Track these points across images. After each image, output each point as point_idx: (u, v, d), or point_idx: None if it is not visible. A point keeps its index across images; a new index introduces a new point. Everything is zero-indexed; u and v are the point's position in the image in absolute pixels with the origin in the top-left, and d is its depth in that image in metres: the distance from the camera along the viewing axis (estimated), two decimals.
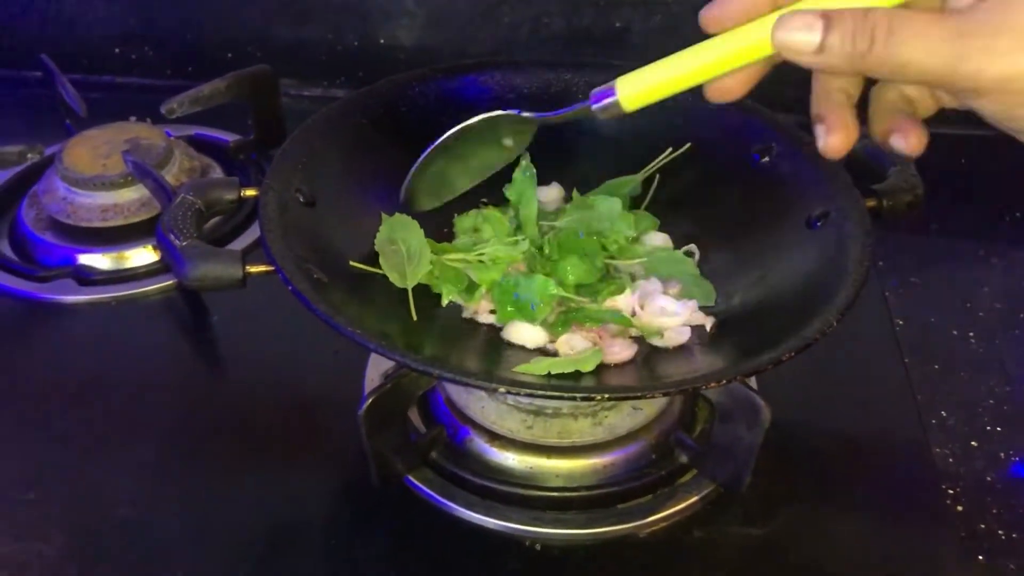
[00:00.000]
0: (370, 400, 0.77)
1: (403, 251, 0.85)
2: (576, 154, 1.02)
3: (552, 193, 1.01)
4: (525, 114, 0.85)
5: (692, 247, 0.95)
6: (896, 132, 0.68)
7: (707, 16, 0.67)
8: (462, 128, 0.84)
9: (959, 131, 0.89)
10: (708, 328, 0.86)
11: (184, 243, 0.77)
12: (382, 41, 1.50)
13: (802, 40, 0.60)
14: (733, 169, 0.97)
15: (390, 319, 0.83)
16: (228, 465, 0.88)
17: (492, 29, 1.46)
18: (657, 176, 1.00)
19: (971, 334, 1.10)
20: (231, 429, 0.92)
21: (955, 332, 1.11)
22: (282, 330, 1.02)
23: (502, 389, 0.67)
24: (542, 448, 0.86)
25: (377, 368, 0.95)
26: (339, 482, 0.89)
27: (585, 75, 1.04)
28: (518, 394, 0.68)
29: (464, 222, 0.96)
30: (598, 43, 1.45)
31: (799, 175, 0.92)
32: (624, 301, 0.88)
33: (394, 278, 0.85)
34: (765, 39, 0.63)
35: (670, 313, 0.87)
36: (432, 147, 0.85)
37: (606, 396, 0.69)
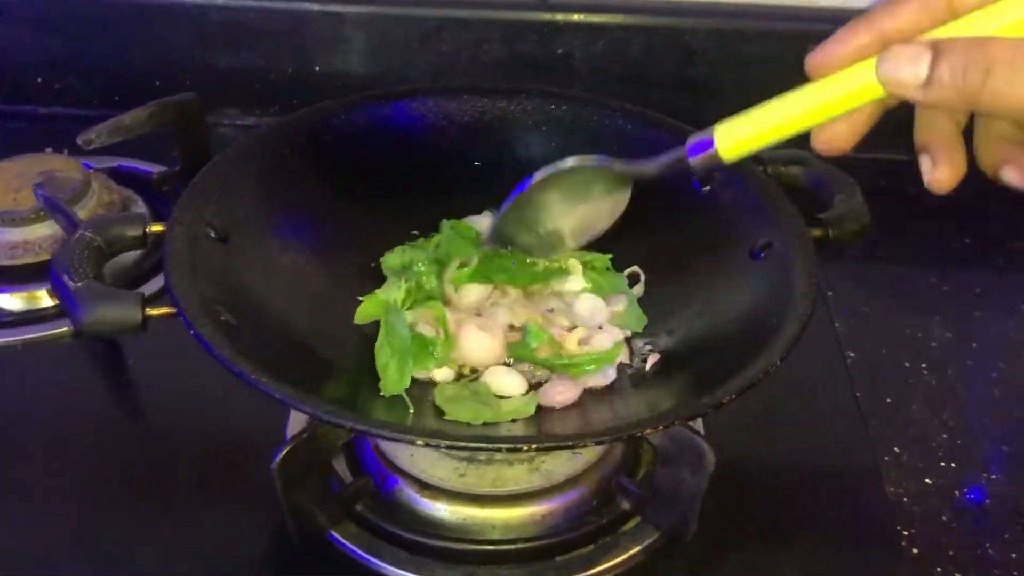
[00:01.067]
0: (286, 451, 0.72)
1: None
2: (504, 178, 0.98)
3: (485, 223, 0.97)
4: (617, 165, 0.76)
5: (636, 270, 0.91)
6: (1009, 164, 0.61)
7: (814, 62, 0.62)
8: (551, 171, 0.77)
9: (903, 156, 0.86)
10: (649, 365, 0.82)
11: (79, 284, 0.71)
12: (318, 69, 1.45)
13: (909, 74, 0.55)
14: (675, 197, 0.93)
15: (312, 363, 0.78)
16: (142, 519, 0.82)
17: (432, 56, 1.42)
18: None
19: (923, 365, 1.06)
20: (146, 480, 0.86)
21: (907, 364, 1.07)
22: (202, 372, 0.94)
23: (419, 442, 0.62)
24: (476, 497, 0.80)
25: (301, 413, 0.89)
26: (258, 537, 0.82)
27: (522, 102, 1.00)
28: (437, 447, 0.62)
29: (391, 260, 0.91)
30: (541, 69, 1.41)
31: (741, 204, 0.88)
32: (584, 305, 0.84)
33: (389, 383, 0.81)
34: (874, 80, 0.58)
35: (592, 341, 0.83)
36: (528, 186, 0.78)
37: (533, 448, 0.63)
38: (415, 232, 0.95)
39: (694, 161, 0.71)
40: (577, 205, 0.79)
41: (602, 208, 0.79)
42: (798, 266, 0.79)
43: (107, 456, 0.87)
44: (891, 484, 0.92)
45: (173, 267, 0.74)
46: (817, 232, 0.84)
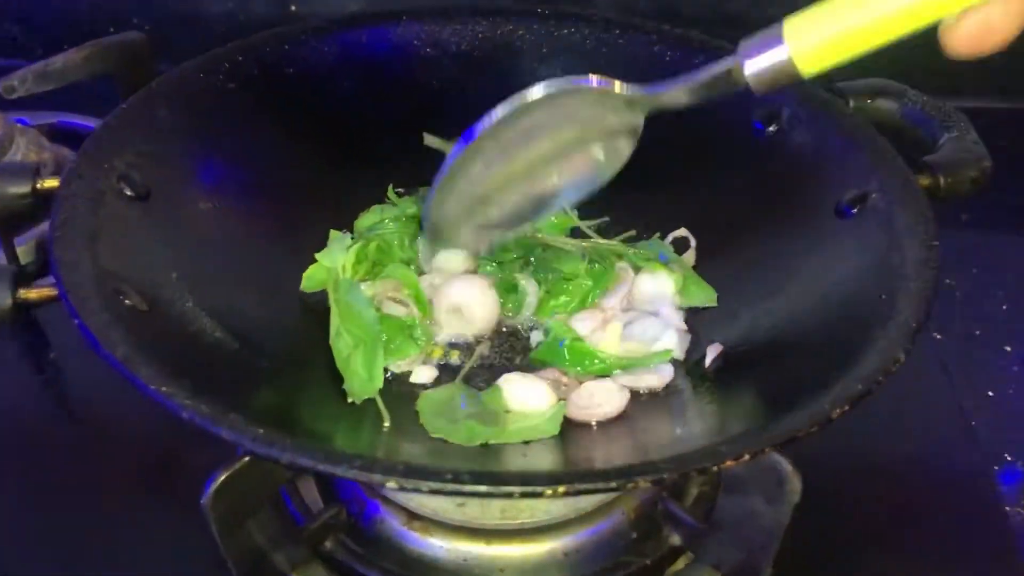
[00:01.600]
0: (221, 480, 0.53)
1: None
2: None
3: None
4: (617, 87, 0.54)
5: (685, 233, 0.71)
6: None
7: None
8: (514, 107, 0.54)
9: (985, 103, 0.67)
10: (709, 360, 0.62)
11: None
12: (293, 8, 1.26)
13: None
14: (729, 144, 0.73)
15: (255, 362, 0.58)
16: (70, 537, 0.67)
17: None
18: None
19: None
20: (75, 489, 0.71)
21: (1007, 347, 0.87)
22: None
23: (391, 483, 0.42)
24: (480, 532, 0.62)
25: None
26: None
27: (532, 26, 0.80)
28: (416, 490, 0.42)
29: (364, 222, 0.71)
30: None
31: (821, 146, 0.69)
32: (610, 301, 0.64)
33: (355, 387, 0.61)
34: None
35: (649, 338, 0.63)
36: (475, 138, 0.56)
37: (560, 491, 0.43)
38: (399, 190, 0.75)
39: (753, 77, 0.48)
40: (559, 154, 0.57)
41: (596, 155, 0.57)
42: (906, 223, 0.60)
43: (31, 460, 0.74)
44: (1007, 503, 0.72)
45: (62, 234, 0.55)
46: (924, 180, 0.64)
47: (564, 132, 0.55)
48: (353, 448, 0.54)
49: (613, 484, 0.43)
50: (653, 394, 0.62)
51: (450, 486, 0.42)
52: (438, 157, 0.79)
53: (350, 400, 0.60)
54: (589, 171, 0.58)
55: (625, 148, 0.56)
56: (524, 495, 0.42)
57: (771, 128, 0.72)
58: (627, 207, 0.75)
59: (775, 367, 0.57)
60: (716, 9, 1.18)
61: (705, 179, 0.74)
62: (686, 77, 0.52)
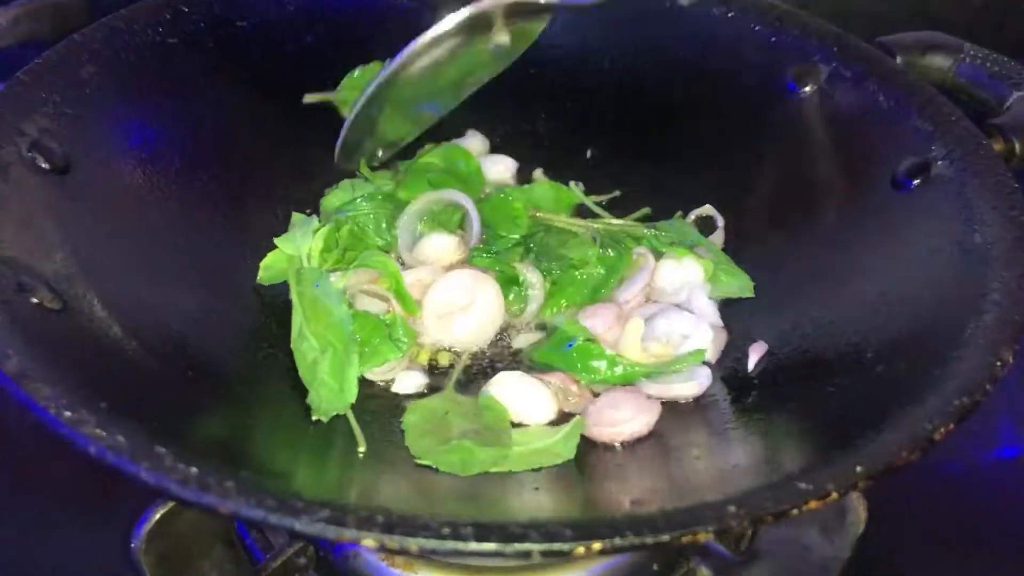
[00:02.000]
0: (156, 519, 0.42)
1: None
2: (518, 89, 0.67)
3: (475, 145, 0.66)
4: None
5: (711, 212, 0.61)
6: None
7: None
8: (444, 30, 0.55)
9: None
10: (753, 364, 0.52)
11: None
12: None
13: None
14: (759, 109, 0.63)
15: (194, 373, 0.47)
16: None
17: None
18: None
19: None
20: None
21: None
22: None
23: (369, 541, 0.31)
24: (476, 569, 0.51)
25: None
26: None
27: None
28: (404, 550, 0.32)
29: (331, 200, 0.61)
30: None
31: (869, 108, 0.59)
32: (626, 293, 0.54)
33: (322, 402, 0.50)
34: None
35: (677, 336, 0.53)
36: (394, 63, 0.57)
37: (580, 551, 0.32)
38: (374, 164, 0.65)
39: None
40: (457, 63, 0.59)
41: (489, 61, 0.61)
42: (983, 195, 0.50)
43: None
44: None
45: None
46: (995, 145, 0.54)
47: (472, 36, 0.57)
48: (318, 486, 0.43)
49: (666, 537, 0.32)
50: (683, 406, 0.51)
51: (449, 543, 0.31)
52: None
53: (315, 418, 0.48)
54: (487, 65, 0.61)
55: (524, 40, 0.59)
56: (547, 553, 0.32)
57: (807, 88, 0.62)
58: (641, 180, 0.65)
59: (835, 374, 0.47)
60: None
61: (732, 149, 0.64)
62: None
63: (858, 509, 0.46)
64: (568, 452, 0.46)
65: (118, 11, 0.60)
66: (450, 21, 0.55)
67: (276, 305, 0.57)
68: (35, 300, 0.42)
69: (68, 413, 0.34)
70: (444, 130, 0.68)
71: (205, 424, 0.43)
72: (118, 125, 0.56)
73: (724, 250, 0.60)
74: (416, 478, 0.44)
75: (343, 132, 0.60)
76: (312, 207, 0.63)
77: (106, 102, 0.56)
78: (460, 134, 0.69)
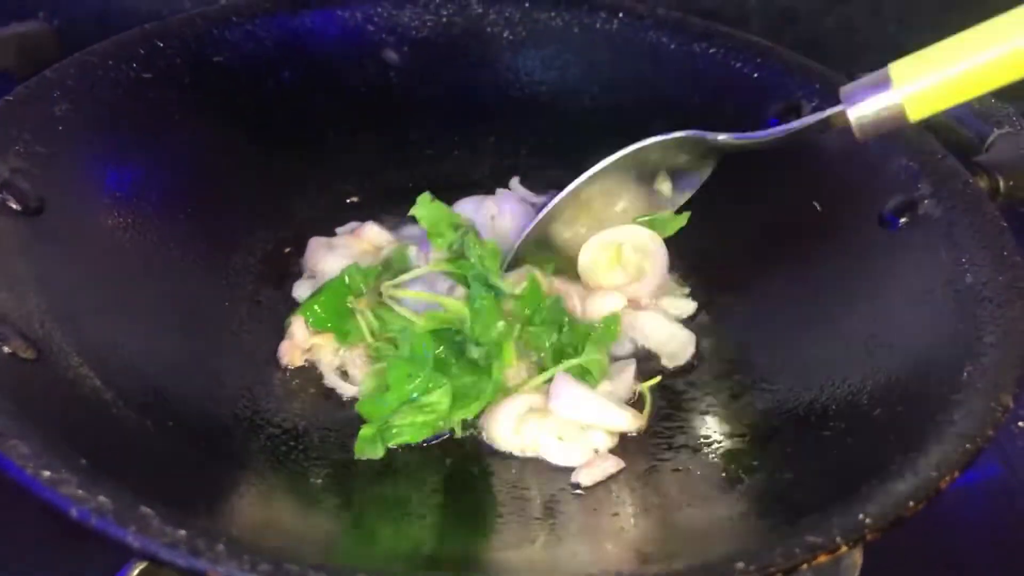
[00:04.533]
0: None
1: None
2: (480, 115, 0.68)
3: (470, 210, 0.65)
4: (716, 136, 0.57)
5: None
6: None
7: None
8: (611, 163, 0.57)
9: None
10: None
11: None
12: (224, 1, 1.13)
13: None
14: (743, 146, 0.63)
15: (183, 428, 0.45)
16: None
17: None
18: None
19: None
20: None
21: None
22: None
23: None
24: None
25: None
26: None
27: (504, 8, 0.68)
28: None
29: None
30: None
31: (854, 145, 0.57)
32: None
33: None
34: None
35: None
36: (566, 193, 0.57)
37: None
38: (352, 199, 0.64)
39: (859, 119, 0.49)
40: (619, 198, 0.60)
41: (650, 199, 0.61)
42: (971, 234, 0.50)
43: None
44: None
45: None
46: (980, 183, 0.54)
47: (638, 172, 0.58)
48: (308, 545, 0.41)
49: None
50: (676, 454, 0.50)
51: None
52: (399, 162, 0.68)
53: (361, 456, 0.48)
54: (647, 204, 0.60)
55: (696, 180, 0.59)
56: None
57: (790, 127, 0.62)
58: None
59: (832, 418, 0.46)
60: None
61: (717, 188, 0.63)
62: (789, 125, 0.54)
63: (853, 553, 0.45)
64: None
65: (91, 46, 0.59)
66: (612, 157, 0.56)
67: (257, 351, 0.55)
68: (7, 350, 0.41)
69: (47, 473, 0.32)
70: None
71: (189, 479, 0.41)
72: (92, 163, 0.54)
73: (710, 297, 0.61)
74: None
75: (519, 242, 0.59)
76: (292, 246, 0.61)
77: (80, 140, 0.54)
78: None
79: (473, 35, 0.69)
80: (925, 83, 0.46)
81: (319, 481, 0.47)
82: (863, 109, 0.48)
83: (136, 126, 0.57)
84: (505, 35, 0.69)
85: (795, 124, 0.53)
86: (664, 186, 0.59)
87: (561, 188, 0.68)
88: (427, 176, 0.66)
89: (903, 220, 0.54)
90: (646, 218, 0.60)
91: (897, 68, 0.47)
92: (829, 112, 0.50)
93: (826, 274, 0.56)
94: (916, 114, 0.47)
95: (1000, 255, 0.48)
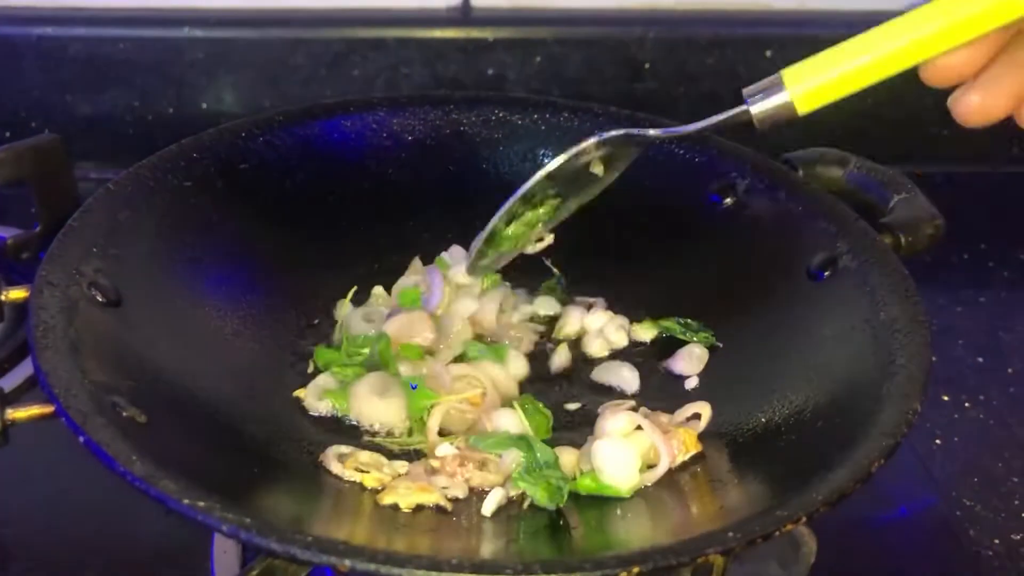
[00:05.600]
0: None
1: None
2: (467, 200, 0.78)
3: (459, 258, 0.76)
4: (648, 131, 0.64)
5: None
6: None
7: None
8: (558, 164, 0.64)
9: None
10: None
11: None
12: (204, 106, 1.23)
13: None
14: (687, 220, 0.76)
15: (255, 463, 0.55)
16: None
17: (341, 84, 1.21)
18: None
19: (963, 397, 0.89)
20: None
21: (945, 397, 0.89)
22: (92, 485, 0.68)
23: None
24: None
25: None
26: None
27: (481, 111, 0.80)
28: None
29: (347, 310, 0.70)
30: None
31: (782, 214, 0.72)
32: None
33: None
34: None
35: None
36: (518, 194, 0.65)
37: None
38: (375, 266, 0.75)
39: (758, 112, 0.56)
40: (565, 188, 0.67)
41: (589, 185, 0.68)
42: (883, 281, 0.62)
43: None
44: (973, 543, 0.74)
45: (45, 345, 0.50)
46: (885, 239, 0.67)
47: (575, 167, 0.65)
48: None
49: (685, 558, 0.42)
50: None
51: None
52: (402, 243, 0.78)
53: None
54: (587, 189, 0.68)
55: (619, 167, 0.67)
56: None
57: (728, 200, 0.75)
58: (585, 284, 0.76)
59: (784, 432, 0.58)
60: (624, 92, 1.22)
61: (665, 258, 0.75)
62: (706, 121, 0.61)
63: (809, 542, 0.56)
64: None
65: (83, 151, 0.69)
66: (561, 158, 0.63)
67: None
68: (126, 415, 0.50)
69: (201, 503, 0.42)
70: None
71: (283, 507, 0.51)
72: (154, 259, 0.64)
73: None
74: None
75: (473, 249, 0.68)
76: (320, 316, 0.72)
77: (141, 241, 0.64)
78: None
79: (456, 135, 0.80)
80: (809, 84, 0.55)
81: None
82: (762, 107, 0.56)
83: (183, 226, 0.67)
84: (483, 135, 0.81)
85: (710, 121, 0.60)
86: (598, 168, 0.66)
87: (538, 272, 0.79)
88: (427, 256, 0.77)
89: (827, 273, 0.66)
90: None
91: (788, 73, 0.56)
92: (736, 111, 0.57)
93: (767, 319, 0.68)
94: (804, 108, 0.55)
95: (904, 296, 0.60)
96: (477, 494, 0.58)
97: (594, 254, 0.77)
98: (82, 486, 0.68)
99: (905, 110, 1.07)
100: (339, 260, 0.74)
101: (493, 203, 0.80)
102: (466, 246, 0.79)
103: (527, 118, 0.81)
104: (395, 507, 0.54)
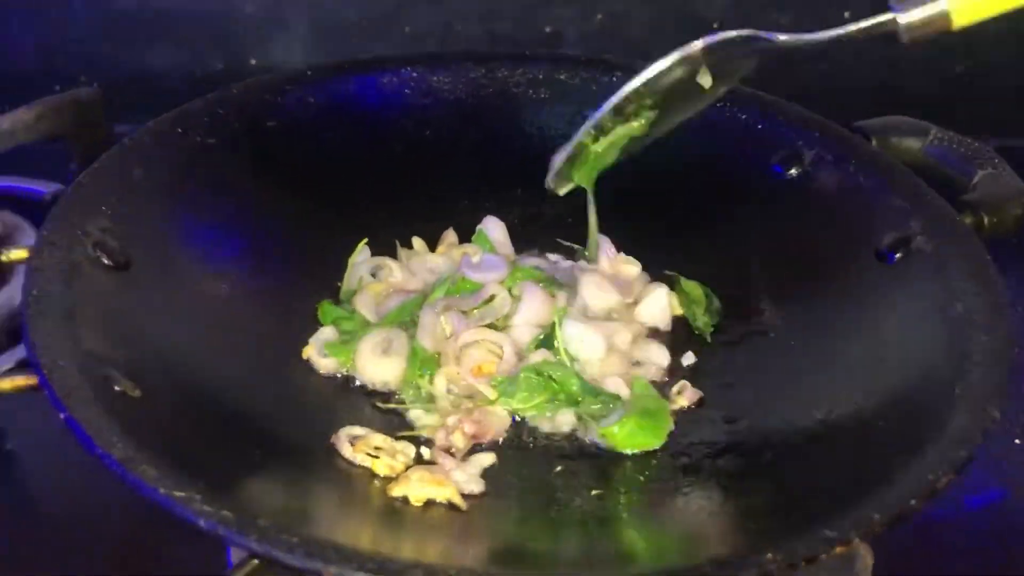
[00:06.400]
0: None
1: None
2: (507, 169, 0.74)
3: (497, 233, 0.71)
4: (776, 35, 0.59)
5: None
6: None
7: None
8: (658, 71, 0.59)
9: None
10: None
11: None
12: (254, 62, 1.20)
13: None
14: (748, 191, 0.69)
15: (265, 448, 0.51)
16: None
17: (393, 40, 1.17)
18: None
19: None
20: None
21: None
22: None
23: None
24: None
25: None
26: None
27: (528, 69, 0.75)
28: None
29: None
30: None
31: (851, 188, 0.65)
32: None
33: None
34: None
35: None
36: (611, 102, 0.61)
37: None
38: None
39: (907, 22, 0.53)
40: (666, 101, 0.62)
41: (694, 99, 0.63)
42: (960, 266, 0.56)
43: None
44: None
45: (38, 311, 0.47)
46: (966, 219, 0.60)
47: (680, 76, 0.60)
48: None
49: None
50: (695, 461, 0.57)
51: None
52: (436, 211, 0.74)
53: None
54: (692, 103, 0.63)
55: (730, 80, 0.62)
56: None
57: (792, 171, 0.68)
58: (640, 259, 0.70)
59: (841, 431, 0.52)
60: None
61: (723, 231, 0.69)
62: (841, 28, 0.56)
63: (864, 556, 0.50)
64: None
65: (159, 117, 0.66)
66: (662, 63, 0.59)
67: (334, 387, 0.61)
68: (118, 388, 0.47)
69: (179, 493, 0.38)
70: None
71: (277, 496, 0.47)
72: (169, 221, 0.61)
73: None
74: None
75: (558, 161, 0.64)
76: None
77: (156, 201, 0.60)
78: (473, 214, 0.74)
79: (499, 95, 0.75)
80: None
81: None
82: (913, 16, 0.52)
83: (204, 188, 0.64)
84: (529, 94, 0.76)
85: (846, 29, 0.56)
86: (705, 79, 0.60)
87: (580, 241, 0.74)
88: (461, 225, 0.72)
89: (898, 255, 0.60)
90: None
91: None
92: (881, 18, 0.54)
93: (828, 304, 0.62)
94: (961, 20, 0.51)
95: (985, 285, 0.54)
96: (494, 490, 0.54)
97: (646, 219, 0.72)
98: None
99: (994, 78, 0.99)
100: (367, 229, 0.69)
101: (537, 169, 0.75)
102: (505, 216, 0.75)
103: (576, 77, 0.76)
104: (405, 500, 0.50)
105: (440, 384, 0.59)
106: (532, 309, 0.63)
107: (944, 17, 0.51)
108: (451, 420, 0.56)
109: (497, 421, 0.58)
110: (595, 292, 0.65)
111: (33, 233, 0.95)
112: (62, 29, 1.18)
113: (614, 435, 0.56)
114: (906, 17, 0.52)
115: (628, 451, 0.56)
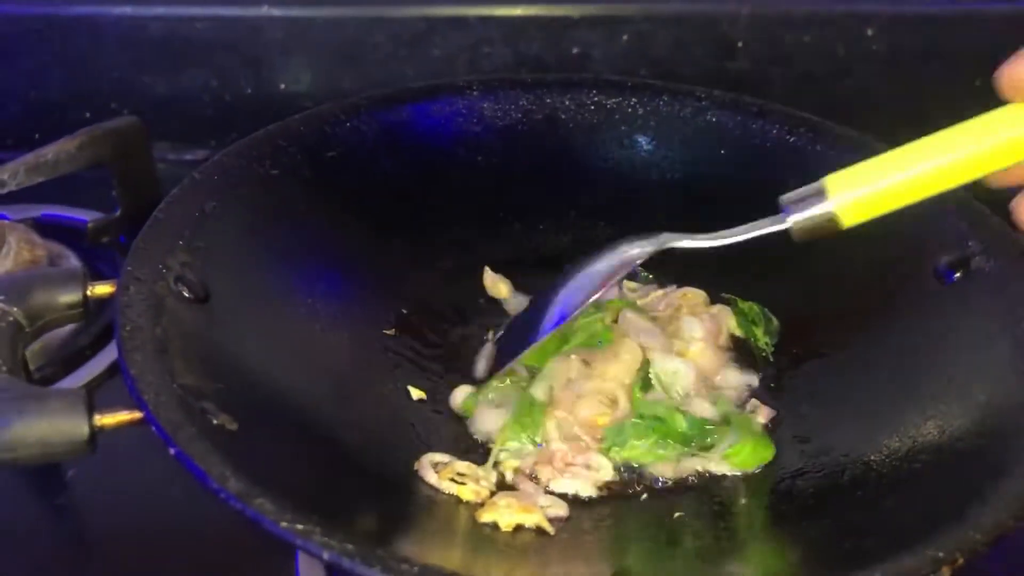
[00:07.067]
0: None
1: None
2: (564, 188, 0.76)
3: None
4: (681, 242, 0.59)
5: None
6: None
7: (1005, 78, 0.49)
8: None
9: None
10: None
11: None
12: (283, 87, 1.21)
13: None
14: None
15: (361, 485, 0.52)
16: None
17: (421, 63, 1.18)
18: None
19: None
20: None
21: None
22: (175, 486, 0.66)
23: None
24: None
25: None
26: None
27: (575, 96, 0.76)
28: None
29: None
30: (553, 72, 1.19)
31: (907, 209, 0.65)
32: None
33: None
34: None
35: None
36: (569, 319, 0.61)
37: None
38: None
39: (798, 224, 0.54)
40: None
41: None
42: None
43: None
44: None
45: (133, 347, 0.48)
46: None
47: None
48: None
49: None
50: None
51: None
52: (487, 235, 0.75)
53: None
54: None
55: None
56: None
57: None
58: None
59: (921, 452, 0.53)
60: (716, 73, 1.17)
61: (778, 254, 0.70)
62: (735, 232, 0.57)
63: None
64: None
65: (226, 148, 0.67)
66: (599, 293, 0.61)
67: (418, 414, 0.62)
68: (216, 423, 0.47)
69: (300, 526, 0.39)
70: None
71: (389, 520, 0.48)
72: (242, 252, 0.61)
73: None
74: None
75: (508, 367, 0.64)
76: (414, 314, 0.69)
77: (229, 233, 0.61)
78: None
79: (548, 120, 0.76)
80: (854, 196, 0.52)
81: None
82: (801, 218, 0.53)
83: (271, 217, 0.64)
84: (577, 119, 0.77)
85: (745, 235, 0.56)
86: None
87: None
88: (517, 249, 0.74)
89: (957, 274, 0.61)
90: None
91: (831, 180, 0.52)
92: (769, 221, 0.55)
93: (888, 324, 0.63)
94: (849, 221, 0.52)
95: None
96: (578, 509, 0.54)
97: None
98: (163, 483, 0.66)
99: None
100: (426, 251, 0.71)
101: (588, 192, 0.76)
102: (559, 238, 0.76)
103: (625, 102, 0.77)
104: (494, 525, 0.51)
105: (552, 430, 0.59)
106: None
107: (832, 219, 0.52)
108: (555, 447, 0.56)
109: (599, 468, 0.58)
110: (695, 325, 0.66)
111: (75, 259, 0.96)
112: (93, 56, 1.19)
113: (739, 454, 0.58)
114: (795, 219, 0.53)
115: (749, 469, 0.58)
